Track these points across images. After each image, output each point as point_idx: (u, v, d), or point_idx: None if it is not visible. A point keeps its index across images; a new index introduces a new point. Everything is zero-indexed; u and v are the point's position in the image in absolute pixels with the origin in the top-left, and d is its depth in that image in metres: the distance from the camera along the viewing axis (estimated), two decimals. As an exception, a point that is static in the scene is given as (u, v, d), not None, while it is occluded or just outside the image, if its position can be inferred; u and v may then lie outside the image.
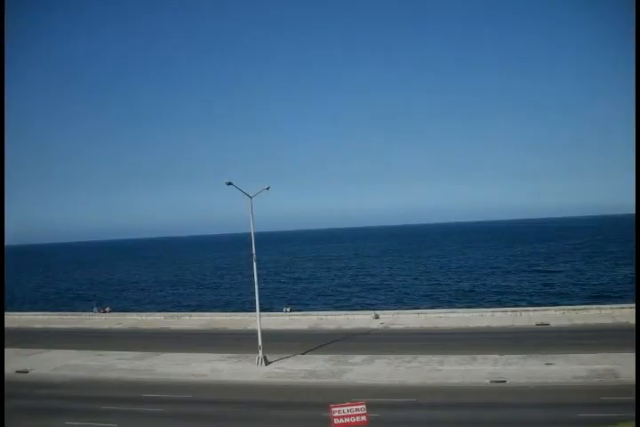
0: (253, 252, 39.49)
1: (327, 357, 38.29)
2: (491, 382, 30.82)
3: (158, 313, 63.85)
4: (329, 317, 54.15)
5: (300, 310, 62.21)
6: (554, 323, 45.26)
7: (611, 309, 48.32)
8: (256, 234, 39.68)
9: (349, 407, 22.08)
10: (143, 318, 60.10)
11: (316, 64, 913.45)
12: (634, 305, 46.87)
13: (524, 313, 49.61)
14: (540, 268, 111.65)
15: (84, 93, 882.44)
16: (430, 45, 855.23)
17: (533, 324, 45.46)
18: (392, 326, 48.44)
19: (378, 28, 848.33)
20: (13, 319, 59.56)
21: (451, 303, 72.83)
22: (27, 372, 38.57)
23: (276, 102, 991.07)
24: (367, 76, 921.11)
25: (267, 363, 37.03)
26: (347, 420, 21.76)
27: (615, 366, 31.89)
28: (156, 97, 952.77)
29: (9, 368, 37.08)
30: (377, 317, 51.69)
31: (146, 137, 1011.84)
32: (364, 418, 21.90)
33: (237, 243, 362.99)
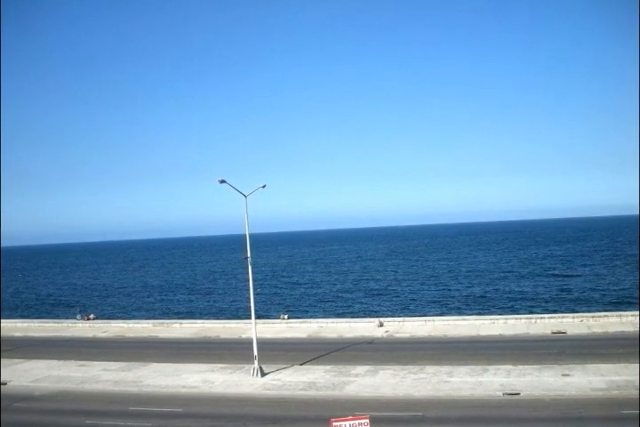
0: (248, 254, 39.47)
1: (327, 367, 38.30)
2: (503, 394, 30.81)
3: (146, 321, 63.88)
4: (329, 324, 54.17)
5: (298, 318, 62.25)
6: (571, 331, 45.25)
7: (632, 316, 48.21)
8: (251, 235, 39.68)
9: (352, 422, 22.09)
10: (130, 325, 60.11)
11: (318, 58, 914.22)
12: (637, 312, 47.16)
13: (539, 321, 49.61)
14: (557, 272, 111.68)
15: (76, 91, 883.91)
16: (436, 40, 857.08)
17: (549, 332, 45.46)
18: (397, 335, 48.45)
19: (377, 25, 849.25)
20: (-10, 327, 59.58)
21: (460, 310, 72.86)
22: (5, 384, 38.55)
23: (276, 99, 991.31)
24: (368, 70, 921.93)
25: (263, 374, 37.04)
26: (348, 435, 21.77)
27: (636, 377, 31.81)
28: (153, 96, 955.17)
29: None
30: (381, 324, 51.70)
31: (139, 136, 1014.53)
32: (366, 433, 21.91)
33: (231, 245, 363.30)
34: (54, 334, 57.84)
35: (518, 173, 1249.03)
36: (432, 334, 47.81)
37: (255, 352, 37.60)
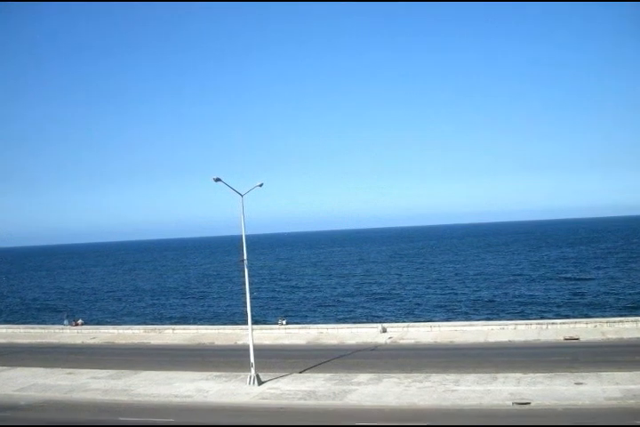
0: (244, 257, 39.50)
1: (328, 375, 38.31)
2: (513, 403, 30.80)
3: (137, 326, 63.89)
4: (330, 330, 54.19)
5: (297, 323, 62.25)
6: (584, 337, 45.27)
7: (649, 321, 48.32)
8: (248, 237, 39.69)
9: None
10: (120, 331, 60.13)
11: (319, 51, 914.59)
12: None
13: (550, 326, 49.62)
14: (569, 275, 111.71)
15: (64, 85, 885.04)
16: (445, 31, 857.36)
17: (561, 338, 45.48)
18: (401, 341, 48.47)
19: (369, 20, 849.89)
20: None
21: (468, 315, 72.89)
22: (-12, 392, 38.59)
23: (274, 94, 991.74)
24: (372, 63, 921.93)
25: (260, 382, 37.04)
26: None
27: (653, 385, 31.89)
28: (144, 90, 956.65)
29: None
30: (384, 330, 51.73)
31: (130, 133, 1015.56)
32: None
33: (226, 246, 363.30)
34: (40, 341, 57.85)
35: (530, 171, 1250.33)
36: (438, 340, 47.82)
37: (252, 359, 37.58)
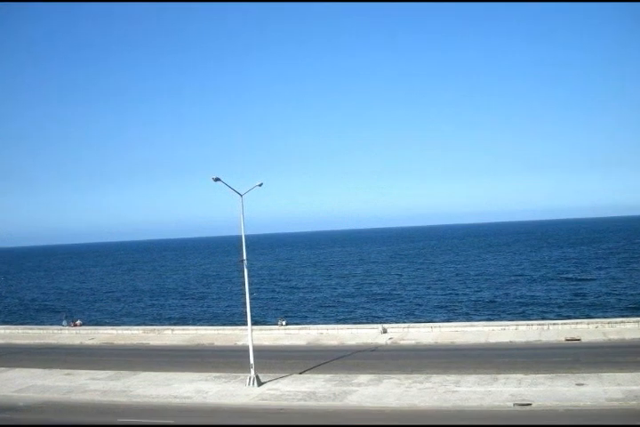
0: (244, 257, 39.48)
1: (328, 376, 38.30)
2: (514, 404, 30.80)
3: (136, 327, 63.91)
4: (330, 331, 54.19)
5: (297, 324, 62.22)
6: (586, 338, 45.26)
7: (651, 322, 48.29)
8: (247, 237, 39.67)
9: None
10: (119, 332, 60.15)
11: (319, 50, 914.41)
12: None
13: (551, 327, 49.62)
14: (571, 275, 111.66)
15: (62, 84, 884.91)
16: (445, 30, 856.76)
17: (562, 339, 45.47)
18: (402, 342, 48.46)
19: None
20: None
21: (469, 316, 72.85)
22: (-14, 393, 38.59)
23: (273, 93, 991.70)
24: (372, 62, 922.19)
25: (259, 383, 37.03)
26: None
27: (655, 386, 31.86)
28: (144, 90, 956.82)
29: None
30: (385, 331, 51.73)
31: (129, 132, 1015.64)
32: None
33: (226, 247, 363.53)
34: (39, 341, 57.85)
35: (531, 171, 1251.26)
36: (438, 341, 47.81)
37: (251, 360, 37.58)
